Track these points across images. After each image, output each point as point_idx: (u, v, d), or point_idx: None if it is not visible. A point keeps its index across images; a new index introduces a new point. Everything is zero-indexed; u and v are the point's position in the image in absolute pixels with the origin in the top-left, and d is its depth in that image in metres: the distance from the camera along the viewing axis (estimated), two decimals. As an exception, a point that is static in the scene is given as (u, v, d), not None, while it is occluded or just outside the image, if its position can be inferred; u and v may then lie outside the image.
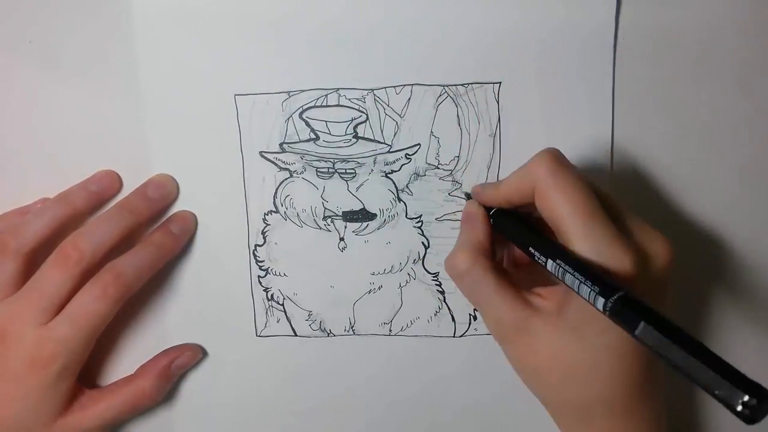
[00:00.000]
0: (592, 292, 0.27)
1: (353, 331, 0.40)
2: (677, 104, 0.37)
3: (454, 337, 0.39)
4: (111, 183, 0.37)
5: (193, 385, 0.40)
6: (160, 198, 0.37)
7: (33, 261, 0.35)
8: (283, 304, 0.39)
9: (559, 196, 0.29)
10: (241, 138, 0.37)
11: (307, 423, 0.41)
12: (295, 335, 0.40)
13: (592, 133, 0.37)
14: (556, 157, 0.30)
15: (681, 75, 0.36)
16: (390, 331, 0.39)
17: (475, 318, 0.39)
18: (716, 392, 0.22)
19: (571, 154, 0.37)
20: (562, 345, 0.30)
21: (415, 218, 0.38)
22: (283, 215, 0.38)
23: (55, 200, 0.37)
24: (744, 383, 0.22)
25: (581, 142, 0.37)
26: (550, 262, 0.29)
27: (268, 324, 0.40)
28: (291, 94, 0.37)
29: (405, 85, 0.36)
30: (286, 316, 0.39)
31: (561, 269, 0.28)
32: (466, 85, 0.36)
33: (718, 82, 0.37)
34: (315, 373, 0.40)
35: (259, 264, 0.39)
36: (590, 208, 0.29)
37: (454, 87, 0.36)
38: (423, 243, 0.38)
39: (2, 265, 0.35)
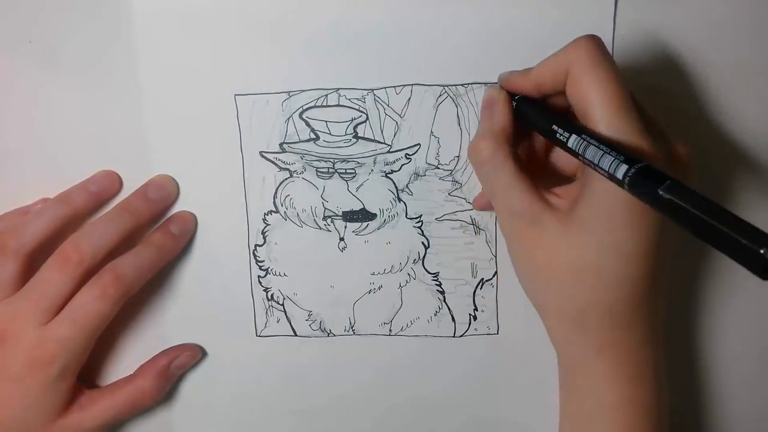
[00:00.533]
0: (615, 161, 0.26)
1: (353, 331, 0.40)
2: (677, 104, 0.37)
3: (454, 337, 0.39)
4: (111, 183, 0.38)
5: (192, 385, 0.40)
6: (160, 199, 0.37)
7: (33, 261, 0.35)
8: (283, 304, 0.39)
9: (593, 81, 0.28)
10: (241, 138, 0.37)
11: (307, 423, 0.41)
12: (295, 335, 0.40)
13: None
14: (597, 43, 0.29)
15: (680, 74, 0.37)
16: (390, 331, 0.39)
17: (475, 318, 0.39)
18: (740, 251, 0.22)
19: (571, 154, 0.37)
20: (570, 243, 0.29)
21: (415, 218, 0.38)
22: (283, 215, 0.38)
23: (55, 201, 0.37)
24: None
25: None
26: (573, 137, 0.28)
27: (268, 324, 0.40)
28: (291, 94, 0.37)
29: (405, 85, 0.37)
30: (286, 316, 0.39)
31: (584, 142, 0.28)
32: (466, 85, 0.36)
33: (718, 81, 0.37)
34: (315, 373, 0.40)
35: (259, 264, 0.39)
36: (622, 100, 0.28)
37: (454, 87, 0.36)
38: (423, 243, 0.38)
39: (2, 266, 0.35)
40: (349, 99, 0.37)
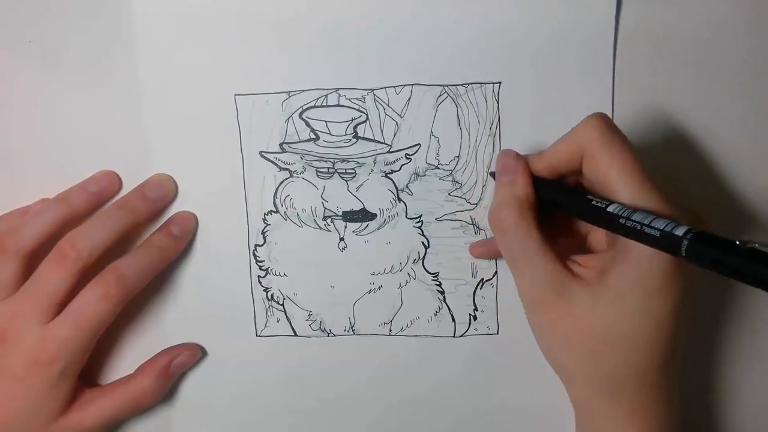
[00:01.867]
0: (669, 225, 0.26)
1: (353, 331, 0.40)
2: (677, 104, 0.37)
3: (454, 337, 0.39)
4: (110, 183, 0.38)
5: (193, 385, 0.40)
6: (158, 197, 0.37)
7: (33, 261, 0.35)
8: (283, 304, 0.39)
9: (610, 157, 0.29)
10: (241, 138, 0.37)
11: (307, 423, 0.41)
12: (295, 335, 0.40)
13: (592, 133, 0.37)
14: (606, 120, 0.30)
15: (681, 74, 0.36)
16: (390, 331, 0.39)
17: (475, 318, 0.39)
18: None
19: (571, 154, 0.37)
20: (601, 311, 0.29)
21: (415, 218, 0.38)
22: (283, 215, 0.38)
23: (54, 201, 0.37)
24: None
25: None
26: (613, 205, 0.29)
27: (268, 324, 0.40)
28: (291, 94, 0.37)
29: (405, 85, 0.37)
30: (286, 316, 0.39)
31: (626, 210, 0.28)
32: (466, 85, 0.36)
33: (718, 82, 0.37)
34: (315, 373, 0.40)
35: (259, 264, 0.39)
36: (642, 174, 0.29)
37: (454, 87, 0.36)
38: (423, 243, 0.38)
39: (2, 266, 0.35)
40: (349, 99, 0.37)
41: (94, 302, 0.34)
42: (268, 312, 0.39)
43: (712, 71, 0.36)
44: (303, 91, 0.37)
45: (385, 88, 0.37)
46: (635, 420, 0.31)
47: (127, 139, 0.37)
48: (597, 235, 0.34)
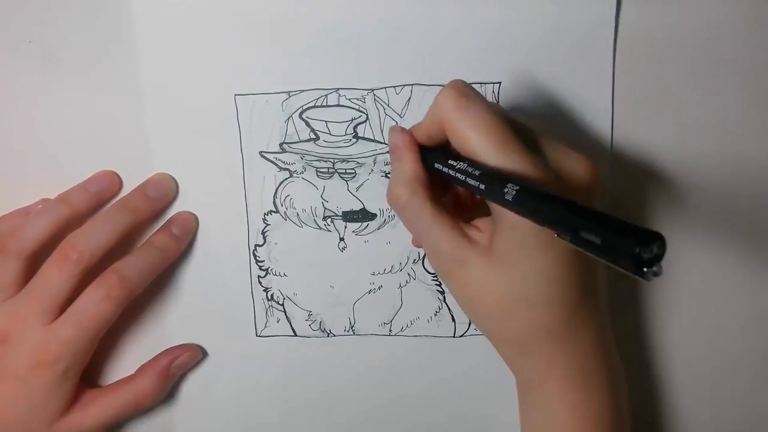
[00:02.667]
0: (500, 186, 0.27)
1: (353, 331, 0.40)
2: (677, 104, 0.37)
3: (454, 337, 0.39)
4: (111, 183, 0.38)
5: (193, 385, 0.40)
6: (158, 197, 0.37)
7: (34, 262, 0.35)
8: (283, 304, 0.39)
9: (467, 130, 0.29)
10: (241, 138, 0.37)
11: (307, 423, 0.41)
12: (295, 335, 0.40)
13: (592, 132, 0.37)
14: (459, 90, 0.30)
15: (681, 74, 0.36)
16: (390, 331, 0.39)
17: (475, 318, 0.39)
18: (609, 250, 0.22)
19: (571, 154, 0.37)
20: (494, 276, 0.30)
21: (415, 218, 0.38)
22: (283, 215, 0.38)
23: (55, 201, 0.37)
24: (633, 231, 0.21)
25: (581, 142, 0.37)
26: (460, 168, 0.29)
27: (268, 324, 0.40)
28: (291, 94, 0.37)
29: (405, 85, 0.37)
30: (286, 316, 0.39)
31: (471, 173, 0.28)
32: (466, 85, 0.36)
33: (718, 81, 0.37)
34: (315, 373, 0.40)
35: (259, 264, 0.39)
36: (501, 137, 0.29)
37: (454, 87, 0.36)
38: (423, 243, 0.38)
39: (4, 267, 0.35)
40: (349, 99, 0.37)
41: (96, 303, 0.34)
42: (268, 312, 0.39)
43: (712, 71, 0.36)
44: (303, 91, 0.37)
45: (385, 88, 0.36)
46: (554, 371, 0.31)
47: (128, 139, 0.37)
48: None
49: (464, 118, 0.29)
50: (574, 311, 0.31)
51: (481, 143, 0.29)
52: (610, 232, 0.22)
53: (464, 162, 0.29)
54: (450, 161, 0.30)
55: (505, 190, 0.26)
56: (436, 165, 0.31)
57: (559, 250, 0.29)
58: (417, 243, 0.37)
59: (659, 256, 0.21)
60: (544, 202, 0.25)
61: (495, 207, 0.29)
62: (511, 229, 0.29)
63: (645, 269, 0.21)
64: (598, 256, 0.22)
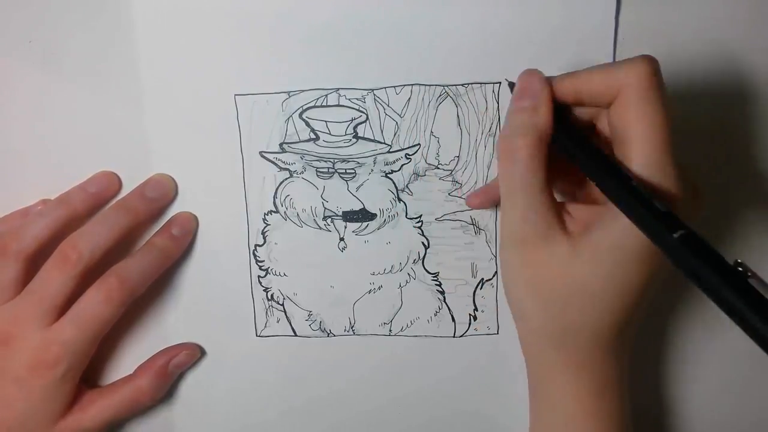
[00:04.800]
0: (657, 222, 0.26)
1: (353, 331, 0.40)
2: (677, 104, 0.37)
3: (454, 337, 0.39)
4: (110, 184, 0.38)
5: (193, 385, 0.40)
6: (158, 197, 0.37)
7: (34, 263, 0.35)
8: (283, 304, 0.39)
9: (643, 114, 0.27)
10: (241, 138, 0.37)
11: (307, 423, 0.41)
12: (295, 335, 0.40)
13: (592, 133, 0.37)
14: (655, 69, 0.27)
15: (681, 74, 0.36)
16: (390, 331, 0.39)
17: (475, 318, 0.39)
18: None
19: (571, 154, 0.37)
20: (576, 266, 0.29)
21: (415, 218, 0.38)
22: (283, 215, 0.38)
23: (54, 202, 0.37)
24: None
25: (581, 142, 0.37)
26: (612, 180, 0.27)
27: (268, 324, 0.40)
28: (291, 94, 0.37)
29: (405, 85, 0.37)
30: (286, 316, 0.39)
31: (625, 191, 0.27)
32: (466, 85, 0.36)
33: (718, 82, 0.37)
34: (315, 373, 0.40)
35: (259, 264, 0.39)
36: (666, 142, 0.27)
37: (454, 87, 0.36)
38: (423, 243, 0.38)
39: (3, 268, 0.35)
40: (349, 99, 0.37)
41: (96, 305, 0.34)
42: (268, 312, 0.39)
43: (713, 71, 0.36)
44: (303, 91, 0.37)
45: (385, 88, 0.36)
46: (584, 372, 0.31)
47: (127, 139, 0.37)
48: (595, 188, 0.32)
49: (646, 100, 0.27)
50: (627, 324, 0.31)
51: (646, 134, 0.27)
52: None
53: (612, 166, 0.27)
54: (597, 158, 0.28)
55: (675, 235, 0.25)
56: (593, 161, 0.28)
57: (652, 269, 0.29)
58: (475, 203, 0.36)
59: None
60: (712, 258, 0.24)
61: (613, 207, 0.28)
62: (620, 230, 0.28)
63: None
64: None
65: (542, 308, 0.31)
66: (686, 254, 0.25)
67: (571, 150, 0.30)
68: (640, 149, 0.28)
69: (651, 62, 0.28)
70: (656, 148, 0.27)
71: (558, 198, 0.33)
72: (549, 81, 0.30)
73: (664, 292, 0.38)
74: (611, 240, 0.28)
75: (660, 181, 0.28)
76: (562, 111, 0.30)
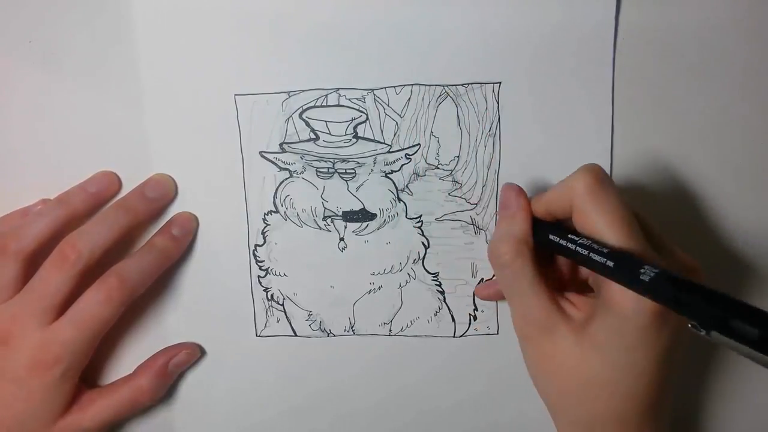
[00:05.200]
0: (635, 265, 0.27)
1: (353, 331, 0.40)
2: (677, 104, 0.37)
3: (454, 337, 0.39)
4: (110, 184, 0.38)
5: (193, 385, 0.40)
6: (157, 197, 0.37)
7: (33, 263, 0.35)
8: (283, 304, 0.39)
9: (597, 215, 0.29)
10: (241, 138, 0.37)
11: (307, 423, 0.41)
12: (295, 335, 0.40)
13: (592, 132, 0.37)
14: (596, 174, 0.30)
15: (681, 75, 0.36)
16: (390, 331, 0.39)
17: (475, 318, 0.39)
18: None
19: (571, 154, 0.37)
20: (584, 357, 0.30)
21: (415, 218, 0.38)
22: (283, 215, 0.38)
23: (54, 202, 0.37)
24: None
25: (581, 142, 0.37)
26: (587, 245, 0.29)
27: (268, 324, 0.40)
28: (291, 94, 0.37)
29: (405, 85, 0.37)
30: (286, 316, 0.39)
31: (600, 249, 0.28)
32: (466, 85, 0.36)
33: (719, 82, 0.37)
34: (315, 373, 0.40)
35: (259, 264, 0.39)
36: (628, 229, 0.29)
37: (454, 87, 0.36)
38: (423, 243, 0.38)
39: (3, 268, 0.35)
40: (349, 99, 0.37)
41: (96, 305, 0.34)
42: (268, 312, 0.39)
43: (712, 71, 0.36)
44: (303, 91, 0.37)
45: (385, 88, 0.36)
46: None
47: (127, 139, 0.37)
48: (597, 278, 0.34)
49: (594, 202, 0.29)
50: (650, 407, 0.31)
51: (608, 231, 0.29)
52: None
53: (589, 239, 0.29)
54: (571, 235, 0.30)
55: (642, 270, 0.26)
56: (552, 237, 0.31)
57: (659, 349, 0.29)
58: (485, 294, 0.38)
59: None
60: (685, 288, 0.25)
61: (603, 289, 0.29)
62: (615, 316, 0.29)
63: None
64: (750, 347, 0.22)
65: (561, 399, 0.32)
66: (661, 288, 0.26)
67: (554, 245, 0.32)
68: (608, 239, 0.29)
69: (591, 170, 0.30)
70: (620, 235, 0.29)
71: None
72: (523, 192, 0.33)
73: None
74: (609, 328, 0.29)
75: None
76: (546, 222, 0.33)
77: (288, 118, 0.37)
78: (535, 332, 0.32)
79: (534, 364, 0.32)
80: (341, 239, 0.38)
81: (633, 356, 0.29)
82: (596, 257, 0.28)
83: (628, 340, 0.29)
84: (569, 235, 0.30)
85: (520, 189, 0.33)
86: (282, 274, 0.39)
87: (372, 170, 0.38)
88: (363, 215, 0.38)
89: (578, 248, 0.30)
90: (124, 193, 0.38)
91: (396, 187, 0.38)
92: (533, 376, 0.33)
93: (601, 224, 0.29)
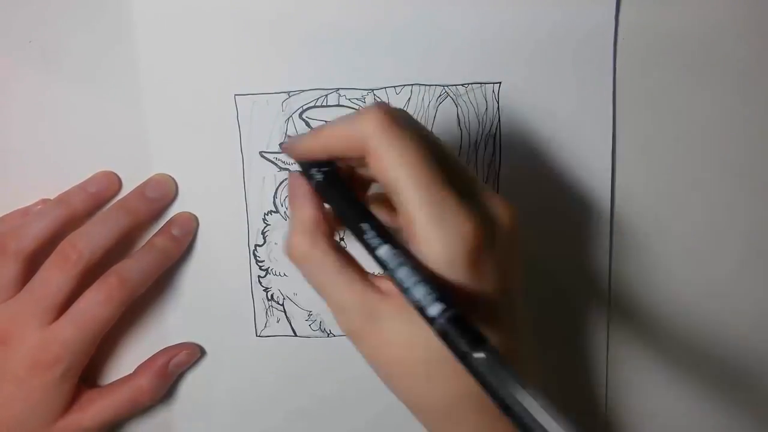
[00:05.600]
0: (427, 295, 0.24)
1: (353, 331, 0.40)
2: (677, 104, 0.37)
3: (454, 337, 0.39)
4: (110, 184, 0.38)
5: (193, 385, 0.40)
6: (158, 197, 0.37)
7: (33, 263, 0.35)
8: (283, 304, 0.39)
9: (393, 157, 0.25)
10: (241, 138, 0.37)
11: (307, 423, 0.41)
12: (295, 335, 0.40)
13: (593, 133, 0.37)
14: (387, 112, 0.26)
15: (681, 75, 0.37)
16: (390, 331, 0.39)
17: (475, 318, 0.39)
18: None
19: (571, 154, 0.37)
20: (416, 332, 0.26)
21: (415, 218, 0.38)
22: (284, 215, 0.38)
23: (54, 202, 0.37)
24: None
25: (581, 143, 0.37)
26: (383, 249, 0.26)
27: (268, 324, 0.40)
28: (291, 94, 0.37)
29: (405, 85, 0.37)
30: (286, 316, 0.39)
31: (395, 261, 0.25)
32: (466, 86, 0.36)
33: (719, 82, 0.37)
34: (315, 373, 0.40)
35: (259, 264, 0.39)
36: (430, 172, 0.26)
37: (454, 87, 0.37)
38: (423, 243, 0.38)
39: (3, 267, 0.35)
40: (349, 99, 0.37)
41: (96, 304, 0.34)
42: (268, 312, 0.39)
43: (712, 71, 0.36)
44: (303, 91, 0.37)
45: (385, 88, 0.37)
46: None
47: (127, 139, 0.37)
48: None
49: (390, 144, 0.26)
50: None
51: (408, 175, 0.25)
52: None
53: (385, 231, 0.26)
54: (361, 224, 0.27)
55: (431, 314, 0.24)
56: (361, 225, 0.27)
57: None
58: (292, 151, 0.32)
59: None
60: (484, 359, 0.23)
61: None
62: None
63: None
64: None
65: (412, 388, 0.28)
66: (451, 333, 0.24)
67: (345, 217, 0.28)
68: (408, 192, 0.26)
69: (380, 110, 0.26)
70: (423, 184, 0.25)
71: None
72: (294, 149, 0.29)
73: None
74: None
75: (443, 215, 0.25)
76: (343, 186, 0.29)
77: (288, 118, 0.37)
78: (358, 323, 0.28)
79: (372, 359, 0.28)
80: (341, 239, 0.38)
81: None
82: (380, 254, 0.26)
83: None
84: (359, 224, 0.27)
85: (301, 175, 0.29)
86: (282, 274, 0.39)
87: (372, 170, 0.38)
88: (363, 215, 0.38)
89: (376, 253, 0.26)
90: (124, 193, 0.38)
91: (396, 187, 0.38)
92: (377, 373, 0.29)
93: (401, 172, 0.25)
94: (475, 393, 0.25)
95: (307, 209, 0.28)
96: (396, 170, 0.26)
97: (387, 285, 0.28)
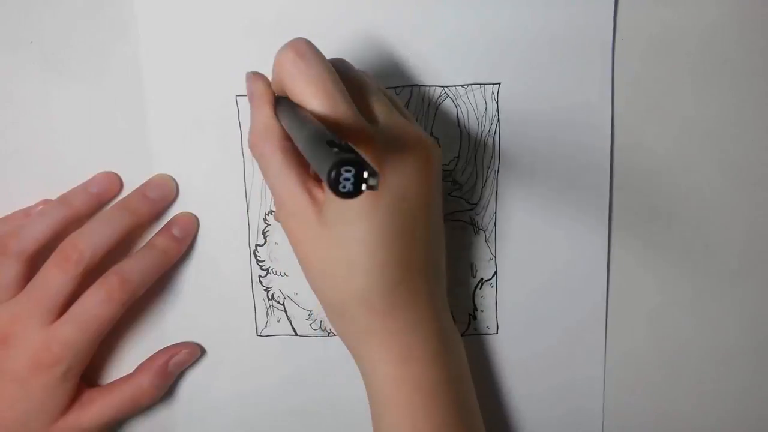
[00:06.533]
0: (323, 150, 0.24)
1: (353, 330, 0.40)
2: (677, 104, 0.37)
3: (453, 336, 0.39)
4: (111, 184, 0.38)
5: (193, 385, 0.40)
6: (159, 198, 0.37)
7: (34, 263, 0.35)
8: (283, 304, 0.39)
9: (303, 87, 0.29)
10: (242, 138, 0.37)
11: (307, 423, 0.41)
12: (296, 335, 0.40)
13: (592, 133, 0.37)
14: (296, 47, 0.30)
15: (680, 75, 0.37)
16: (390, 330, 0.40)
17: (474, 318, 0.39)
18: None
19: (571, 154, 0.37)
20: (322, 236, 0.30)
21: (415, 218, 0.38)
22: (284, 215, 0.38)
23: (55, 202, 0.37)
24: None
25: (581, 142, 0.37)
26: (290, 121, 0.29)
27: (268, 323, 0.40)
28: (292, 94, 0.37)
29: (405, 86, 0.37)
30: (287, 316, 0.40)
31: (296, 126, 0.27)
32: (466, 86, 0.37)
33: (717, 81, 0.37)
34: (315, 372, 0.40)
35: (260, 264, 0.39)
36: (333, 99, 0.29)
37: (453, 88, 0.37)
38: (423, 243, 0.38)
39: (4, 268, 0.35)
40: (350, 99, 0.37)
41: (97, 305, 0.34)
42: (269, 312, 0.39)
43: (711, 70, 0.37)
44: (304, 91, 0.37)
45: (385, 88, 0.37)
46: (371, 340, 0.31)
47: (128, 140, 0.37)
48: None
49: (301, 78, 0.29)
50: (393, 285, 0.30)
51: (318, 100, 0.29)
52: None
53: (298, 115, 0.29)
54: (293, 111, 0.29)
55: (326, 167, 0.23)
56: (282, 118, 0.31)
57: (379, 219, 0.29)
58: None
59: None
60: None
61: None
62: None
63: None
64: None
65: (316, 285, 0.32)
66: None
67: (285, 120, 0.31)
68: (312, 106, 0.29)
69: (292, 45, 0.30)
70: (328, 109, 0.29)
71: None
72: (262, 77, 0.33)
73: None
74: (332, 206, 0.29)
75: (345, 123, 0.29)
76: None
77: (289, 119, 0.37)
78: (286, 218, 0.31)
79: (295, 251, 0.32)
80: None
81: (356, 229, 0.29)
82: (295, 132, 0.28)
83: (351, 213, 0.29)
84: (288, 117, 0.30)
85: (258, 76, 0.33)
86: (283, 274, 0.39)
87: (372, 170, 0.38)
88: (363, 215, 0.38)
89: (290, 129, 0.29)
90: (125, 193, 0.38)
91: (396, 188, 0.38)
92: (301, 266, 0.32)
93: (308, 96, 0.29)
94: (365, 296, 0.30)
95: (263, 106, 0.32)
96: (306, 99, 0.29)
97: (318, 192, 0.31)
